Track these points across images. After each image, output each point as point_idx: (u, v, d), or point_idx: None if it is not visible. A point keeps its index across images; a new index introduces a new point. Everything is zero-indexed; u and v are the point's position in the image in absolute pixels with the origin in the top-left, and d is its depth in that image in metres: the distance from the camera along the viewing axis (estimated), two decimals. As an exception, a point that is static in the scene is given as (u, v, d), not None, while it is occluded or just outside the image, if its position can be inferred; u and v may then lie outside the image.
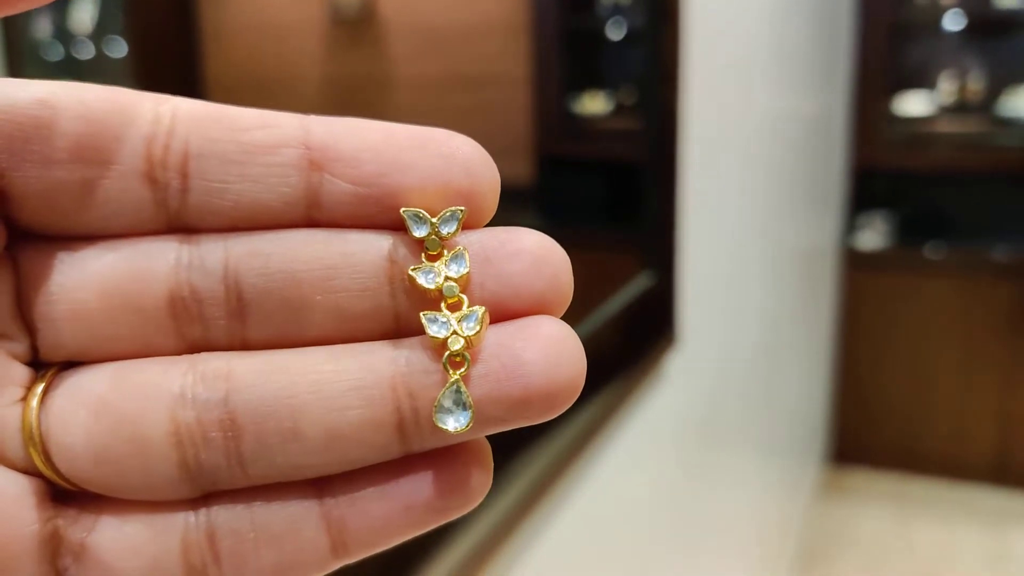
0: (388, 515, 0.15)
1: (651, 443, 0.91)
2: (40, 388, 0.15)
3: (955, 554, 2.23)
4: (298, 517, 0.15)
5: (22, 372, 0.15)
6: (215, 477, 0.15)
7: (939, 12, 2.53)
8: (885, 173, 2.65)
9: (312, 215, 0.15)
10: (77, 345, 0.15)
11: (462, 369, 0.15)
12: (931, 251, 2.50)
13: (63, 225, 0.15)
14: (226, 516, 0.15)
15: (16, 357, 0.15)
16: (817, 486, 2.51)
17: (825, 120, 2.15)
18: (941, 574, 2.15)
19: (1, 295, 0.15)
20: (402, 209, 0.15)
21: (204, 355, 0.15)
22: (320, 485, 0.16)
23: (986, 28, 2.56)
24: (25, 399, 0.15)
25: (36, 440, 0.15)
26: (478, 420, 0.15)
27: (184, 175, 0.15)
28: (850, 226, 2.64)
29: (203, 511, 0.15)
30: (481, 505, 0.18)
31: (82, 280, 0.15)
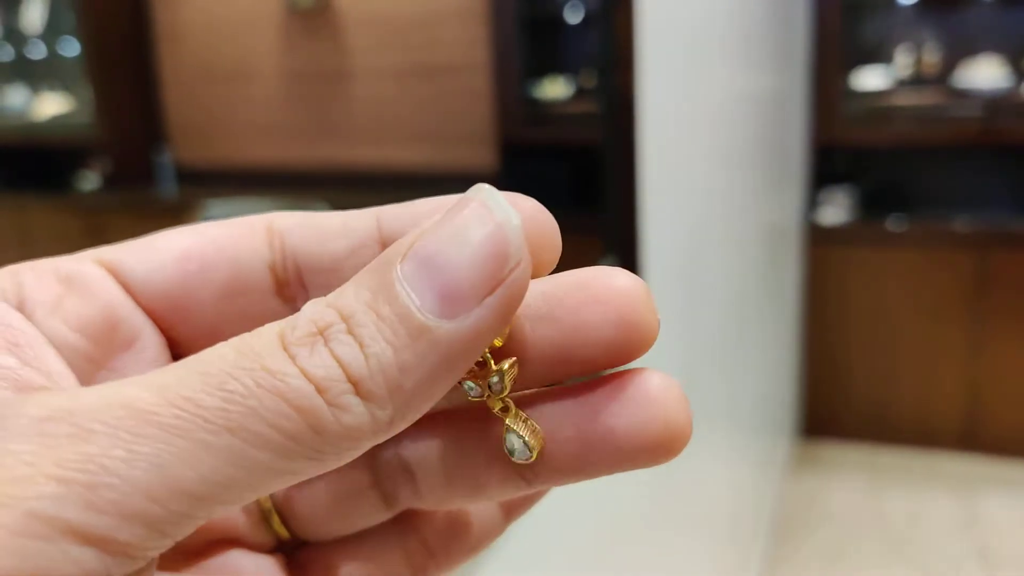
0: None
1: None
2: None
3: (926, 520, 2.27)
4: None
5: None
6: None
7: (893, -13, 2.56)
8: (845, 148, 2.68)
9: None
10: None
11: (511, 414, 0.17)
12: (893, 224, 2.53)
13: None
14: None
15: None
16: (789, 459, 2.54)
17: (784, 97, 2.16)
18: (913, 540, 2.19)
19: None
20: None
21: None
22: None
23: (940, 1, 2.59)
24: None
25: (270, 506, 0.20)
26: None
27: (303, 284, 0.19)
28: (812, 202, 2.67)
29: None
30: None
31: None
